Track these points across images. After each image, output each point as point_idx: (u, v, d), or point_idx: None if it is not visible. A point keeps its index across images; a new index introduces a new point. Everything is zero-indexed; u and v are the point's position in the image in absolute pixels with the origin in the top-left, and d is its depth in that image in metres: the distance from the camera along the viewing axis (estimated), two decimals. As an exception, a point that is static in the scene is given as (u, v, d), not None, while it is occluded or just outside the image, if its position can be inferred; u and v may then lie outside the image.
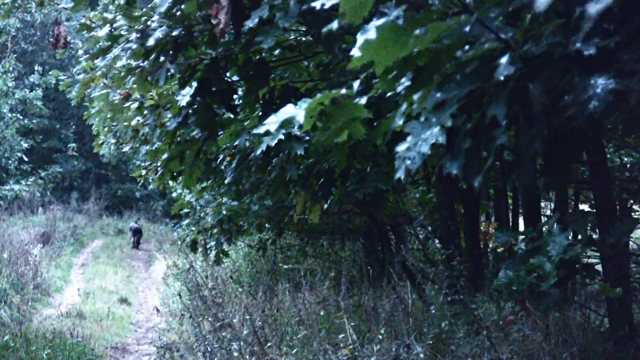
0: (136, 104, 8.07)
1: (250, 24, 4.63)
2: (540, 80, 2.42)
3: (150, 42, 5.67)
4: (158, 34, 5.68)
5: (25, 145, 29.47)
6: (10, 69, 26.54)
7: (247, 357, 7.83)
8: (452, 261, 8.21)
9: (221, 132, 7.09)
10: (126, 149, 11.11)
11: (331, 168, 6.73)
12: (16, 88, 29.03)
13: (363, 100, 2.88)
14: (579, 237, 5.48)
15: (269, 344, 7.95)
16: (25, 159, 30.51)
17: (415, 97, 2.60)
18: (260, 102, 6.16)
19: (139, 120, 8.48)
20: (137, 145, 10.11)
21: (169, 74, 5.89)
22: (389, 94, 2.96)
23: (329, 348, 7.33)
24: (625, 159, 10.09)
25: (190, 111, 6.29)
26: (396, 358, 6.79)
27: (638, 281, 9.35)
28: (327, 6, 2.86)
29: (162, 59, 5.79)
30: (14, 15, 22.17)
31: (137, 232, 29.68)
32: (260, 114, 6.26)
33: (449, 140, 2.46)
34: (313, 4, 2.85)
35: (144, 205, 39.95)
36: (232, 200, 12.28)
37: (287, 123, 2.58)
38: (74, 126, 40.06)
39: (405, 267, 10.16)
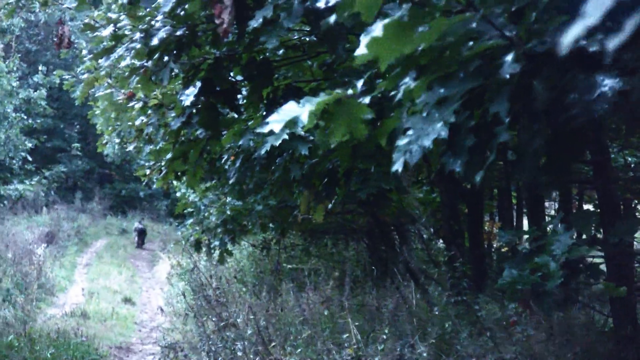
0: (140, 104, 8.08)
1: (254, 24, 4.63)
2: (543, 77, 2.41)
3: (154, 41, 5.67)
4: (162, 33, 5.68)
5: (29, 145, 29.50)
6: (14, 68, 26.57)
7: (251, 356, 7.82)
8: (455, 262, 8.20)
9: (225, 132, 7.09)
10: (130, 148, 11.13)
11: (335, 168, 6.73)
12: (20, 88, 29.07)
13: (366, 100, 2.88)
14: (583, 236, 5.47)
15: (273, 344, 7.95)
16: (29, 158, 30.54)
17: (419, 98, 2.60)
18: (264, 101, 6.16)
19: (142, 120, 8.48)
20: (141, 145, 10.12)
21: (172, 73, 5.90)
22: (392, 93, 2.95)
23: (333, 348, 7.32)
24: (629, 159, 10.07)
25: (194, 111, 6.29)
26: (400, 358, 6.78)
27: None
28: (331, 3, 2.87)
29: (165, 58, 5.79)
30: (17, 15, 22.22)
31: (142, 233, 29.73)
32: (264, 113, 6.26)
33: (450, 137, 2.45)
34: (317, 4, 2.86)
35: (148, 205, 40.03)
36: (235, 200, 12.28)
37: (292, 124, 2.57)
38: (77, 126, 40.13)
39: (408, 268, 10.15)
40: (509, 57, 2.38)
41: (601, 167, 6.23)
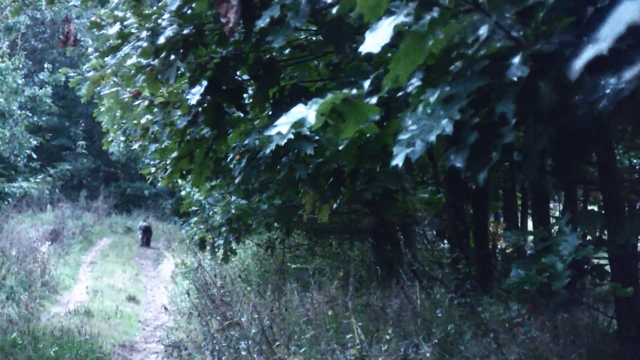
0: (146, 102, 8.09)
1: (261, 23, 4.64)
2: (550, 78, 2.41)
3: (161, 40, 5.68)
4: (168, 32, 5.69)
5: (35, 142, 29.47)
6: (20, 66, 26.54)
7: (255, 356, 7.83)
8: (459, 264, 8.19)
9: (231, 131, 7.09)
10: (135, 147, 11.13)
11: (340, 168, 6.73)
12: (26, 85, 29.05)
13: (373, 100, 2.88)
14: (588, 237, 5.47)
15: (277, 343, 7.96)
16: (35, 156, 30.51)
17: (431, 98, 2.59)
18: (270, 101, 6.16)
19: (148, 119, 8.49)
20: (146, 144, 10.12)
21: (179, 72, 5.90)
22: (400, 93, 2.96)
23: (337, 348, 7.33)
24: (635, 161, 10.06)
25: (200, 110, 6.30)
26: (404, 358, 6.78)
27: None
28: None
29: (172, 57, 5.80)
30: (24, 12, 22.28)
31: (147, 231, 29.72)
32: (270, 113, 6.26)
33: (455, 134, 2.44)
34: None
35: (153, 204, 40.00)
36: (241, 199, 12.28)
37: (298, 125, 2.58)
38: (83, 124, 40.16)
39: (412, 268, 10.15)
40: (517, 59, 2.38)
41: (606, 168, 6.23)
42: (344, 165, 6.44)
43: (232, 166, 8.17)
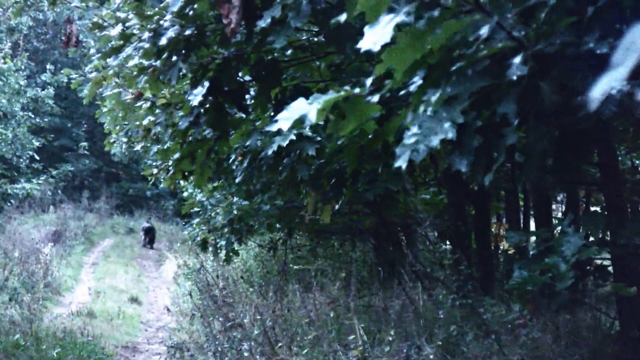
0: (148, 103, 8.09)
1: (262, 24, 4.63)
2: (551, 79, 2.41)
3: (163, 41, 5.68)
4: (170, 33, 5.69)
5: (37, 143, 29.44)
6: (22, 67, 26.53)
7: (257, 357, 7.83)
8: (461, 265, 8.19)
9: (233, 132, 7.09)
10: (137, 148, 11.14)
11: (342, 169, 6.73)
12: (28, 86, 29.02)
13: (375, 99, 2.88)
14: (590, 238, 5.47)
15: (279, 344, 7.95)
16: (37, 157, 30.48)
17: (432, 98, 2.59)
18: (272, 102, 6.16)
19: (150, 120, 8.49)
20: (149, 145, 10.13)
21: (180, 73, 5.90)
22: (402, 92, 2.95)
23: (339, 349, 7.32)
24: (637, 161, 10.04)
25: (201, 111, 6.30)
26: (406, 359, 6.78)
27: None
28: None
29: (174, 58, 5.80)
30: (26, 13, 22.27)
31: (150, 231, 29.75)
32: (272, 114, 6.27)
33: (458, 137, 2.44)
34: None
35: (155, 205, 40.08)
36: (242, 200, 12.29)
37: (299, 123, 2.57)
38: (85, 125, 40.24)
39: (414, 269, 10.14)
40: (518, 60, 2.38)
41: (608, 169, 6.22)
42: (345, 166, 6.44)
43: (234, 167, 8.18)
